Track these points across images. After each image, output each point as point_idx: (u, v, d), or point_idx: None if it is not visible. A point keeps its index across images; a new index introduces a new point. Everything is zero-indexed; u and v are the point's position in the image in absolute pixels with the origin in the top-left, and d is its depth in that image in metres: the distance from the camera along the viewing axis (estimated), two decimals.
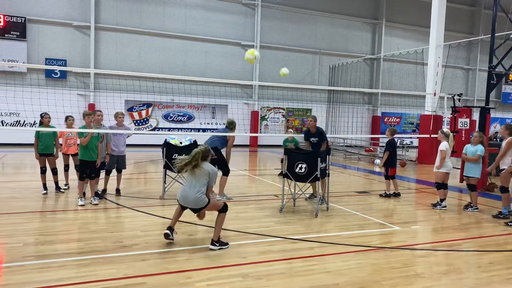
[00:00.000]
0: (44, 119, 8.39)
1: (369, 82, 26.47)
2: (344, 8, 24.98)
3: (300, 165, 7.19)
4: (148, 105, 21.25)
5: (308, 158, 7.22)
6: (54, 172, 8.50)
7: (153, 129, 21.36)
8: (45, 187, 8.44)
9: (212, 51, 22.24)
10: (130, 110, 20.83)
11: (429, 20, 17.00)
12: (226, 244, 5.44)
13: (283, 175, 7.49)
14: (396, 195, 9.32)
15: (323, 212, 7.60)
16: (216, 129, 9.25)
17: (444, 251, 5.65)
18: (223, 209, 5.50)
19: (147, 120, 21.40)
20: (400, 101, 24.66)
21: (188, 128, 21.92)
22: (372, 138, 22.16)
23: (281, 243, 5.75)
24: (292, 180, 7.44)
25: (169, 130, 21.36)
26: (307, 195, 8.58)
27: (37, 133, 8.37)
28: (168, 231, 5.49)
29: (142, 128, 21.17)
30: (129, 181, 10.52)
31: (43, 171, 8.45)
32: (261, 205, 8.12)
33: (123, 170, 8.68)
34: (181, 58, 21.66)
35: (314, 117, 8.63)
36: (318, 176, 7.13)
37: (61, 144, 8.92)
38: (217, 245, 5.35)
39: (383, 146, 10.37)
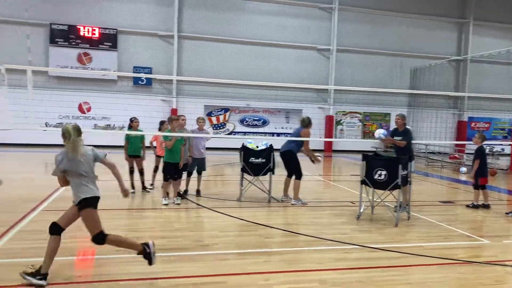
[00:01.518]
0: (134, 123, 9.03)
1: (455, 85, 24.82)
2: (427, 8, 23.71)
3: (379, 172, 6.96)
4: (226, 110, 21.94)
5: (388, 164, 6.97)
6: (141, 172, 9.10)
7: (230, 133, 21.98)
8: (132, 187, 9.08)
9: (288, 56, 22.36)
10: (209, 114, 21.65)
11: None
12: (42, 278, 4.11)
13: (361, 181, 7.30)
14: (485, 206, 8.63)
15: (404, 222, 7.28)
16: (291, 133, 9.16)
17: None
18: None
19: (225, 124, 22.09)
20: (489, 105, 22.82)
21: (262, 132, 22.24)
22: (457, 145, 20.74)
23: (359, 251, 5.61)
24: (370, 187, 7.23)
25: (244, 134, 21.85)
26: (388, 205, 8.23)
27: (127, 136, 9.02)
28: None
29: (220, 132, 21.90)
30: (207, 183, 10.93)
31: (131, 172, 9.09)
32: (337, 212, 7.99)
33: (203, 172, 9.05)
34: (256, 63, 22.04)
35: (402, 115, 8.18)
36: (399, 183, 6.85)
37: (155, 147, 9.54)
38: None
39: (469, 153, 9.69)
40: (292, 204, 8.36)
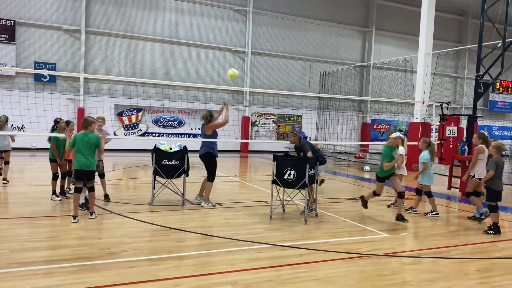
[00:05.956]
0: (60, 125, 8.37)
1: (359, 89, 26.67)
2: (335, 16, 25.17)
3: (288, 172, 7.21)
4: (138, 110, 21.14)
5: (296, 164, 7.25)
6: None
7: (143, 134, 21.24)
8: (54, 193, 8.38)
9: (204, 56, 22.25)
10: (120, 114, 20.71)
11: (418, 29, 17.24)
12: None
13: (272, 181, 7.50)
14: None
15: (313, 219, 7.62)
16: (199, 134, 9.09)
17: (432, 259, 5.69)
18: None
19: (137, 125, 21.27)
20: (389, 108, 24.88)
21: (178, 134, 21.85)
22: (361, 145, 22.29)
23: (270, 250, 5.75)
24: (281, 186, 7.45)
25: (159, 135, 21.26)
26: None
27: (55, 138, 8.30)
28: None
29: (132, 133, 21.05)
30: (119, 187, 10.44)
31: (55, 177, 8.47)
32: (251, 212, 8.11)
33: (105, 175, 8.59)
34: (172, 63, 21.62)
35: (291, 133, 8.82)
36: (307, 182, 7.15)
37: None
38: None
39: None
40: (202, 206, 8.30)
